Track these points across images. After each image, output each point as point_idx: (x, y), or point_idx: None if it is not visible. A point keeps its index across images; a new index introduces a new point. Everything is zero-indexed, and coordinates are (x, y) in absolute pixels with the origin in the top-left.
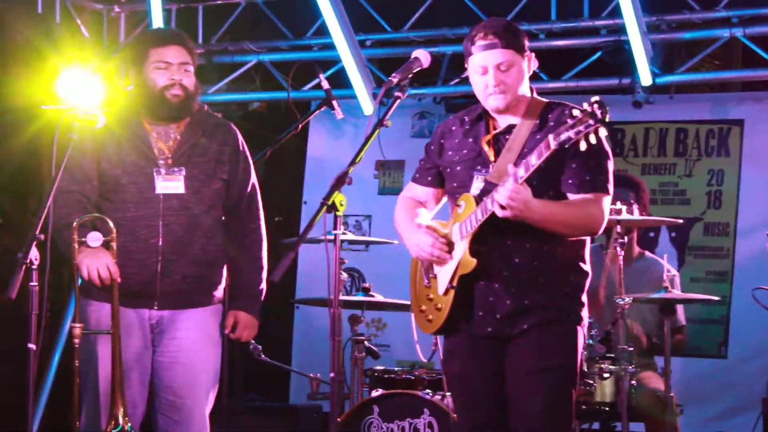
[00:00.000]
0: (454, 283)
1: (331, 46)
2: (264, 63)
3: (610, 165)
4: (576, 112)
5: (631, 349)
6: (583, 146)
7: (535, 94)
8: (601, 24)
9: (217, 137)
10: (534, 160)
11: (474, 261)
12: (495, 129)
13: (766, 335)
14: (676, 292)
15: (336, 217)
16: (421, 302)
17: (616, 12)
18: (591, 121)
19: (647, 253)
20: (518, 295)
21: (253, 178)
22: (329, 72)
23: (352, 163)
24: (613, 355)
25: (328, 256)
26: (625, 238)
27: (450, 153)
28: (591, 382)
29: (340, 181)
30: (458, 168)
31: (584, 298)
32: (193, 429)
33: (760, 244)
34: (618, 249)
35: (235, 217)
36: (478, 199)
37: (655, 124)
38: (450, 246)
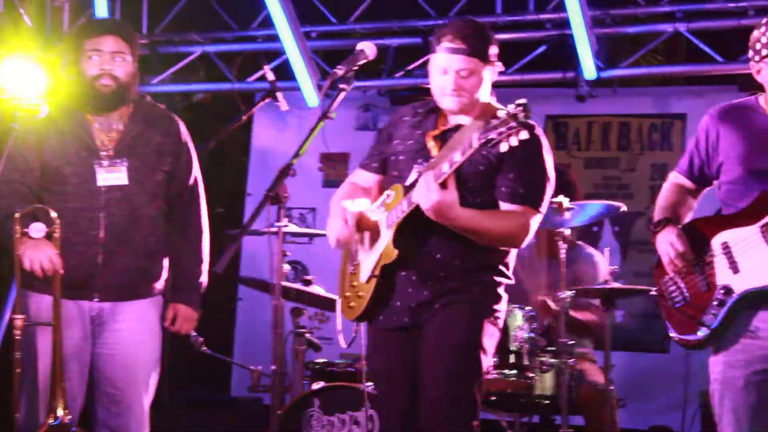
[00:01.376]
0: (377, 272)
1: (276, 38)
2: (209, 54)
3: (549, 187)
4: (501, 113)
5: (572, 342)
6: (503, 147)
7: (493, 99)
8: (546, 18)
9: (160, 128)
10: (457, 157)
11: (396, 252)
12: (444, 125)
13: None
14: (617, 284)
15: (280, 208)
16: (346, 288)
17: (561, 6)
18: (513, 124)
19: (580, 243)
20: (435, 287)
21: (196, 170)
22: (274, 64)
23: (296, 155)
24: (554, 348)
25: (271, 248)
26: (570, 231)
27: (396, 142)
28: (532, 375)
29: (284, 173)
30: (401, 158)
31: (502, 291)
32: (133, 421)
33: None
34: (560, 243)
35: (177, 209)
36: (407, 189)
37: (599, 118)
38: (375, 234)
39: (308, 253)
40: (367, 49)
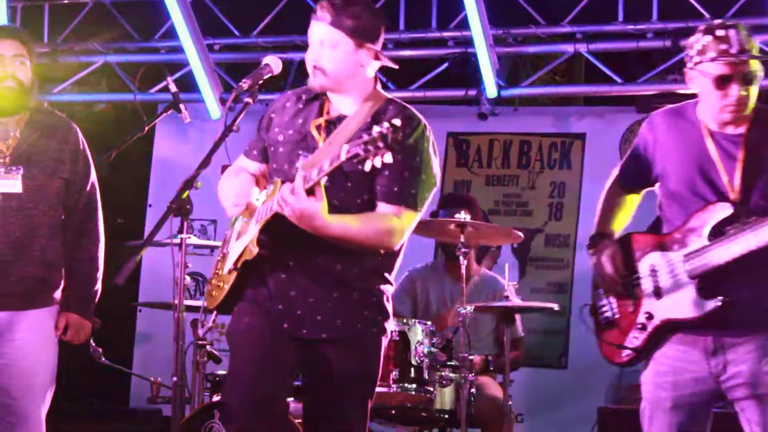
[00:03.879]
0: (237, 266)
1: (179, 49)
2: (111, 64)
3: (429, 183)
4: (375, 130)
5: (472, 357)
6: (367, 166)
7: (379, 88)
8: (448, 35)
9: (57, 136)
10: (326, 166)
11: (256, 250)
12: (328, 113)
13: None
14: (517, 301)
15: (183, 220)
16: (213, 275)
17: (464, 24)
18: (380, 144)
19: (484, 269)
20: (322, 294)
21: (93, 178)
22: (177, 75)
23: (201, 166)
24: (453, 363)
25: (173, 259)
26: (469, 249)
27: (276, 130)
28: (431, 389)
29: (188, 185)
30: (281, 149)
31: (389, 306)
32: (30, 431)
33: None
34: (461, 259)
35: (73, 217)
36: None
37: (500, 136)
38: (247, 226)
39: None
40: (273, 63)
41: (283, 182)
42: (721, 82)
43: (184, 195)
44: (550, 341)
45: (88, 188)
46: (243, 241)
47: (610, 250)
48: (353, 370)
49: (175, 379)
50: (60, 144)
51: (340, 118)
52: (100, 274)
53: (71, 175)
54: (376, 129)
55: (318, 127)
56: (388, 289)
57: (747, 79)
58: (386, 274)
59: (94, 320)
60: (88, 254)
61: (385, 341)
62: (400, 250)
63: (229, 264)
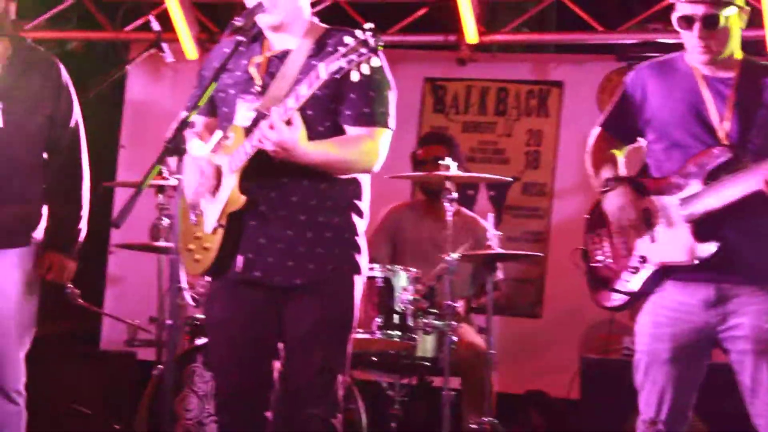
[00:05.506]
0: (223, 221)
1: None
2: (84, 1)
3: (392, 96)
4: (348, 40)
5: (456, 305)
6: (355, 77)
7: (314, 19)
8: None
9: (39, 71)
10: (304, 90)
11: (243, 198)
12: (269, 51)
13: (580, 297)
14: (500, 250)
15: (179, 160)
16: (189, 241)
17: None
18: (364, 50)
19: (463, 209)
20: (294, 237)
21: (77, 115)
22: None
23: (195, 107)
24: (437, 311)
25: (177, 201)
26: (454, 194)
27: (224, 76)
28: (415, 336)
29: (184, 125)
30: (231, 91)
31: (362, 242)
32: (9, 371)
33: (577, 205)
34: (447, 205)
35: (56, 155)
36: (248, 130)
37: (477, 83)
38: (217, 180)
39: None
40: (266, 2)
41: (244, 129)
42: (684, 22)
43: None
44: (524, 290)
45: (72, 125)
46: (221, 195)
47: (631, 194)
48: (329, 316)
49: (170, 321)
50: (42, 80)
51: (286, 53)
52: (84, 214)
53: (54, 112)
54: (348, 39)
55: (257, 66)
56: (361, 223)
57: (708, 22)
58: (359, 204)
59: (75, 260)
60: (72, 193)
61: (359, 279)
62: (365, 178)
63: (210, 222)
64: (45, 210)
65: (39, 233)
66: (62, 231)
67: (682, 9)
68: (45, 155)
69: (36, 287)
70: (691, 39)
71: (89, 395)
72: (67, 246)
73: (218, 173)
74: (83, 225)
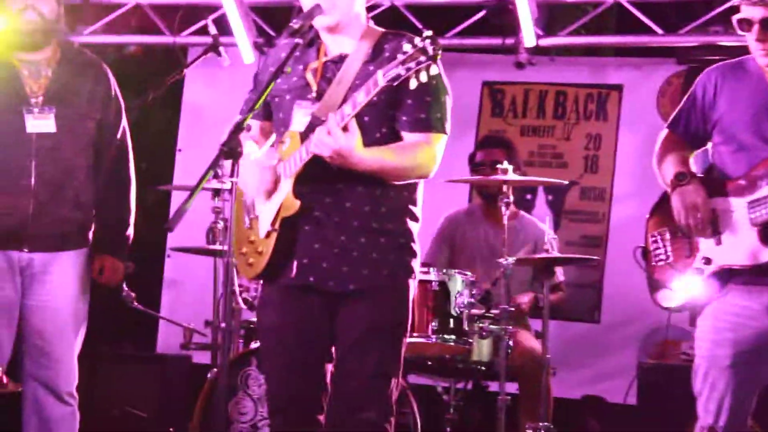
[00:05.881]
0: (276, 226)
1: None
2: (142, 6)
3: (448, 101)
4: (407, 47)
5: (512, 309)
6: (413, 84)
7: (371, 23)
8: None
9: (89, 76)
10: (361, 98)
11: (297, 203)
12: (326, 56)
13: (638, 301)
14: (557, 254)
15: (233, 163)
16: (243, 244)
17: None
18: (422, 58)
19: (522, 212)
20: (348, 243)
21: (124, 122)
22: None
23: (251, 110)
24: (492, 315)
25: (231, 204)
26: (511, 197)
27: (279, 81)
28: (470, 341)
29: (239, 128)
30: (287, 97)
31: (416, 247)
32: (62, 374)
33: (635, 210)
34: (504, 208)
35: (106, 159)
36: (303, 135)
37: (536, 86)
38: (273, 185)
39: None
40: (323, 3)
41: (300, 134)
42: (745, 24)
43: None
44: (583, 294)
45: (120, 131)
46: (276, 199)
47: (704, 192)
48: (382, 320)
49: (223, 324)
50: (93, 84)
51: (342, 57)
52: (132, 218)
53: (104, 117)
54: (407, 46)
55: (314, 71)
56: (415, 228)
57: (767, 24)
58: (413, 209)
59: (127, 263)
60: (120, 197)
61: (413, 283)
62: (419, 182)
63: (264, 226)
64: (95, 214)
65: (90, 236)
66: (112, 234)
67: (743, 11)
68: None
69: (88, 289)
70: (751, 42)
71: (145, 398)
72: (117, 249)
73: (276, 176)
74: (131, 230)
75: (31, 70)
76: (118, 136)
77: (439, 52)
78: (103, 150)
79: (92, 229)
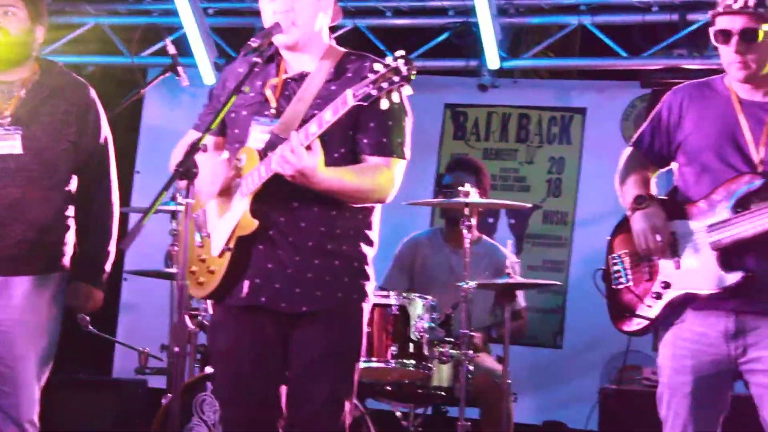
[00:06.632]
0: (231, 245)
1: (172, 12)
2: (102, 26)
3: (408, 125)
4: (378, 67)
5: (473, 333)
6: (384, 105)
7: (333, 43)
8: (448, 5)
9: (65, 97)
10: (329, 116)
11: (255, 222)
12: (285, 73)
13: (601, 326)
14: (519, 278)
15: (189, 185)
16: (192, 263)
17: None
18: (395, 78)
19: (485, 237)
20: (302, 264)
21: (105, 137)
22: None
23: (208, 129)
24: (452, 340)
25: (186, 223)
26: (473, 221)
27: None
28: (430, 366)
29: (195, 149)
30: (243, 113)
31: (370, 270)
32: (23, 401)
33: (598, 234)
34: (465, 232)
35: (83, 180)
36: (262, 153)
37: (499, 109)
38: (225, 203)
39: None
40: (283, 22)
41: (258, 152)
42: (722, 36)
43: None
44: (545, 320)
45: (99, 151)
46: (231, 218)
47: (663, 216)
48: (335, 344)
49: (177, 349)
50: (67, 105)
51: (303, 75)
52: (113, 243)
53: (79, 138)
54: (377, 66)
55: (273, 88)
56: (370, 252)
57: (747, 36)
58: (368, 233)
59: (103, 291)
60: (98, 221)
61: (366, 306)
62: (375, 206)
63: (218, 245)
64: (69, 237)
65: (62, 261)
66: (89, 261)
67: (719, 23)
68: (72, 181)
69: (58, 318)
70: (728, 54)
71: (101, 423)
72: (93, 276)
73: (227, 195)
74: (111, 256)
75: (2, 90)
76: (96, 153)
77: (413, 71)
78: (81, 170)
79: (66, 254)
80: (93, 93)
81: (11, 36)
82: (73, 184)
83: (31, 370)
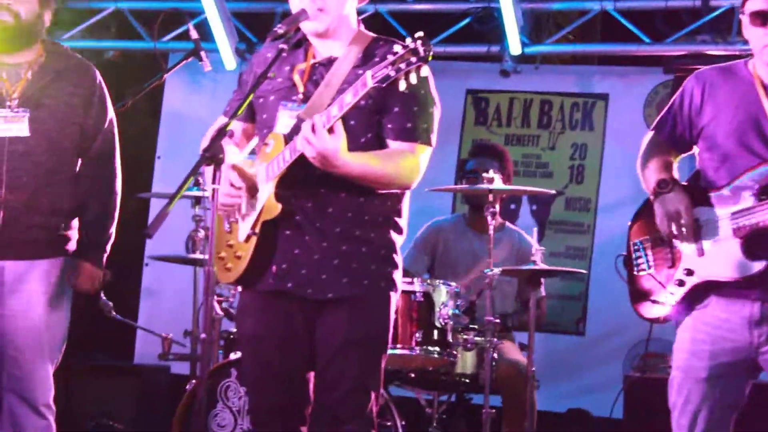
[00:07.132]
0: (256, 229)
1: None
2: (122, 11)
3: (436, 113)
4: (397, 48)
5: (497, 320)
6: (402, 86)
7: (362, 27)
8: None
9: (71, 79)
10: (349, 98)
11: (279, 206)
12: (314, 58)
13: (624, 313)
14: (543, 266)
15: (215, 170)
16: (221, 248)
17: None
18: (413, 59)
19: (508, 223)
20: (328, 250)
21: (109, 123)
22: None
23: (234, 115)
24: (477, 327)
25: (213, 210)
26: (497, 207)
27: (264, 82)
28: (455, 353)
29: (222, 134)
30: (271, 98)
31: (398, 258)
32: (37, 385)
33: (621, 221)
34: (489, 218)
35: (87, 163)
36: (288, 137)
37: (520, 95)
38: (253, 189)
39: None
40: (309, 8)
41: (284, 136)
42: (758, 18)
43: (217, 143)
44: (568, 307)
45: (103, 133)
46: (257, 203)
47: (687, 199)
48: (360, 332)
49: (203, 335)
50: (73, 88)
51: (331, 60)
52: (113, 224)
53: (84, 120)
54: (397, 47)
55: (301, 73)
56: (399, 240)
57: None
58: (397, 220)
59: (105, 271)
60: (101, 202)
61: (394, 295)
62: (405, 193)
63: (244, 230)
64: (76, 222)
65: (71, 245)
66: (90, 240)
67: (754, 4)
68: (77, 164)
69: (67, 300)
70: (762, 38)
71: (122, 410)
72: (94, 255)
73: (252, 183)
74: (111, 236)
75: (9, 73)
76: (101, 137)
77: (431, 53)
78: (86, 153)
79: (72, 238)
80: (98, 75)
81: (22, 20)
82: (78, 166)
83: (42, 355)
